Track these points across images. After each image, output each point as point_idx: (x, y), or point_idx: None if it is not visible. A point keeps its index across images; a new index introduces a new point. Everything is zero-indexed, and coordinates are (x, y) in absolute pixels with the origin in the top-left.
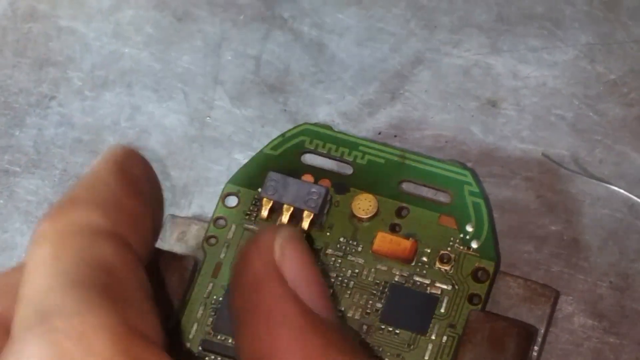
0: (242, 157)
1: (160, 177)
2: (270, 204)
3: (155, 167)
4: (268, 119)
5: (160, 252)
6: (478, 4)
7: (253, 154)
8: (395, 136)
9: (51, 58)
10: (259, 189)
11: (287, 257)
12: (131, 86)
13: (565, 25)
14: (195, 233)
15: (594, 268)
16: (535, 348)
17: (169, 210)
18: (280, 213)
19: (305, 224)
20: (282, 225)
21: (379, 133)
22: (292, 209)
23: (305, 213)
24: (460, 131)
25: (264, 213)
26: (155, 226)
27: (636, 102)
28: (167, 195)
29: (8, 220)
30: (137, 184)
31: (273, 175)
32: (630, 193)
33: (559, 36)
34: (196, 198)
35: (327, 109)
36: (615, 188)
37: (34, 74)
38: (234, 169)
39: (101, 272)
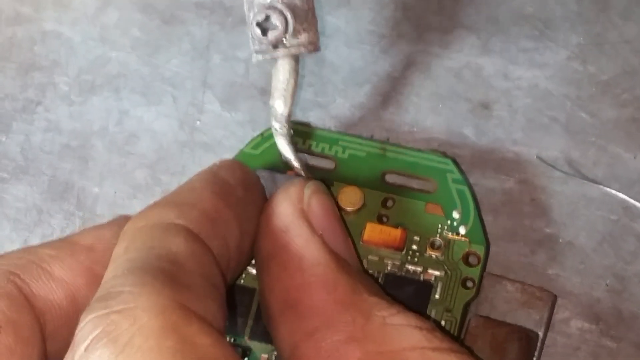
0: None
1: (150, 182)
2: None
3: (146, 172)
4: (258, 122)
5: None
6: (468, 5)
7: None
8: (387, 139)
9: (36, 62)
10: None
11: (314, 206)
12: (119, 90)
13: (556, 25)
14: None
15: (590, 271)
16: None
17: None
18: None
19: None
20: (310, 178)
21: (371, 136)
22: None
23: None
24: (453, 134)
25: None
26: (245, 230)
27: (629, 103)
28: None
29: None
30: (226, 190)
31: (261, 172)
32: (624, 194)
33: (550, 37)
34: None
35: (318, 113)
36: (610, 190)
37: (20, 78)
38: None
39: (163, 260)
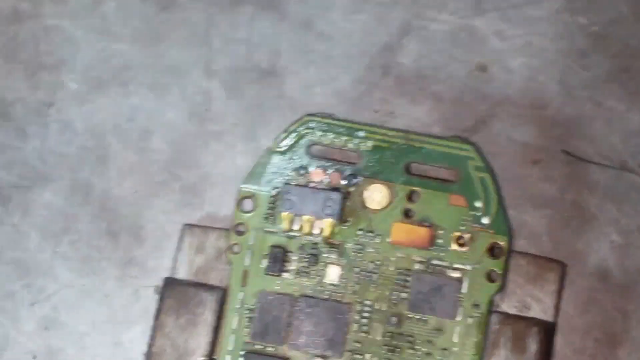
0: (245, 149)
1: (168, 177)
2: (291, 217)
3: (163, 167)
4: (267, 106)
5: (189, 284)
6: None
7: (256, 145)
8: (391, 113)
9: (43, 62)
10: (272, 190)
11: None
12: (126, 85)
13: None
14: (213, 242)
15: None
16: None
17: (182, 212)
18: (301, 222)
19: (327, 231)
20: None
21: (376, 111)
22: (312, 219)
23: (326, 221)
24: (454, 101)
25: (285, 225)
26: None
27: (620, 53)
28: (177, 197)
29: (26, 238)
30: None
31: (289, 189)
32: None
33: None
34: (207, 196)
35: (322, 89)
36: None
37: (28, 80)
38: (240, 162)
39: None
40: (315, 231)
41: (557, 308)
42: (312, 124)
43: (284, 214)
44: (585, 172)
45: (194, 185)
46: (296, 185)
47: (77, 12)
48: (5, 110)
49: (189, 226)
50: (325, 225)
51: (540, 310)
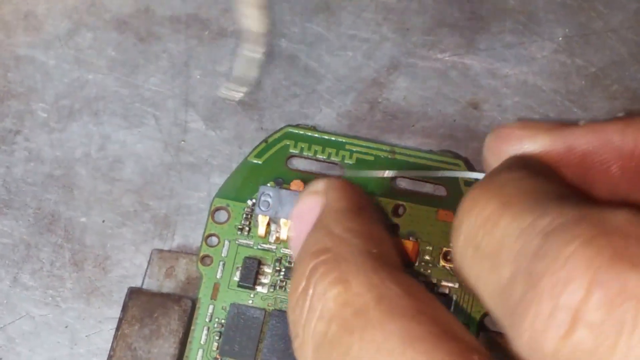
0: (221, 181)
1: (138, 208)
2: (267, 220)
3: (133, 198)
4: (245, 139)
5: (155, 295)
6: (450, 3)
7: None
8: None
9: (12, 90)
10: (248, 201)
11: (330, 196)
12: (99, 114)
13: (539, 18)
14: (184, 267)
15: None
16: None
17: (152, 243)
18: (278, 227)
19: None
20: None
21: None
22: (289, 222)
23: None
24: (444, 137)
25: (261, 230)
26: None
27: (619, 94)
28: (148, 227)
29: None
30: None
31: (266, 190)
32: None
33: (535, 30)
34: (179, 228)
35: (305, 124)
36: None
37: None
38: (214, 194)
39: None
40: None
41: None
42: (293, 136)
43: (261, 217)
44: None
45: (165, 217)
46: (273, 187)
47: (51, 42)
48: None
49: (159, 251)
50: None
51: None
